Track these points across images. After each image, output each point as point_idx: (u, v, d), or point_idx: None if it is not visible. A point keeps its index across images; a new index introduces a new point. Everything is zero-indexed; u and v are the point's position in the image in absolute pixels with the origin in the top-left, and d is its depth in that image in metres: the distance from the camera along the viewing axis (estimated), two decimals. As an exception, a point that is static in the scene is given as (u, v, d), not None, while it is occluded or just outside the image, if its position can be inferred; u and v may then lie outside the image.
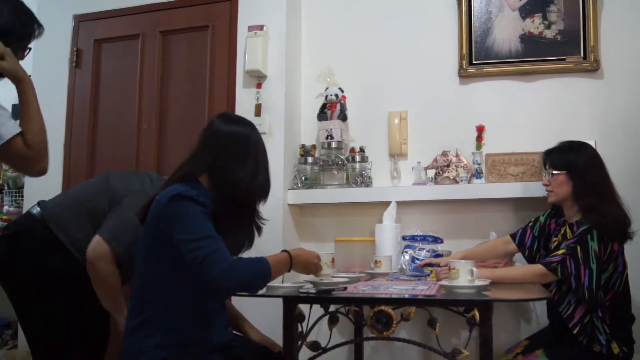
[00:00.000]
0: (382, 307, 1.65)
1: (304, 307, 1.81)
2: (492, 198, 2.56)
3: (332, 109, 2.79)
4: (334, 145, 2.76)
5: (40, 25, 1.48)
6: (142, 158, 2.96)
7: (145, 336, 1.55)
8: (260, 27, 2.74)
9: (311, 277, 1.90)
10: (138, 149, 2.98)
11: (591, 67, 2.57)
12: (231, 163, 1.64)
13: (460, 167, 2.63)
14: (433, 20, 2.83)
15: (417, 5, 2.87)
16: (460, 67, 2.74)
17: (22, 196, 3.30)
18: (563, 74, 2.63)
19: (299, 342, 1.73)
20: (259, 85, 2.78)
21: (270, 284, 1.62)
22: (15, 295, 1.90)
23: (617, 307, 1.94)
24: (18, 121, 1.36)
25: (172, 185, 1.59)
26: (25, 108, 1.37)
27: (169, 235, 1.51)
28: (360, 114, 2.86)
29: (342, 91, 2.81)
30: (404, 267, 2.37)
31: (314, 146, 2.85)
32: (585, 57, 2.58)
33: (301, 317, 1.77)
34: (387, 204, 2.62)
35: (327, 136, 2.75)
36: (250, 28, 2.76)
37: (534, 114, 2.65)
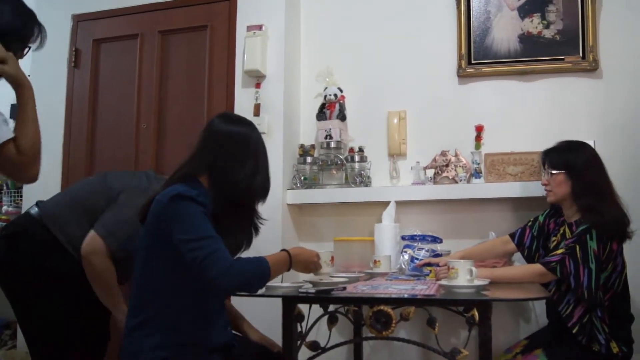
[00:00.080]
0: (382, 307, 1.65)
1: (303, 307, 1.81)
2: (491, 198, 2.57)
3: (331, 108, 2.79)
4: (333, 145, 2.76)
5: (40, 26, 1.47)
6: (141, 158, 2.96)
7: (145, 336, 1.55)
8: (259, 27, 2.74)
9: (311, 276, 1.90)
10: (137, 149, 2.98)
11: (590, 67, 2.57)
12: (231, 163, 1.64)
13: (459, 166, 2.63)
14: (432, 20, 2.83)
15: (415, 5, 2.87)
16: (459, 66, 2.74)
17: (21, 196, 3.30)
18: (562, 73, 2.63)
19: (298, 342, 1.73)
20: (257, 85, 2.78)
21: (269, 283, 1.62)
22: (14, 295, 1.90)
23: (616, 307, 1.94)
24: (13, 125, 1.36)
25: (172, 185, 1.59)
26: (22, 113, 1.37)
27: (169, 235, 1.51)
28: (359, 114, 2.86)
29: (341, 91, 2.81)
30: (403, 266, 2.37)
31: (313, 146, 2.85)
32: (584, 57, 2.59)
33: (300, 317, 1.77)
34: (386, 203, 2.62)
35: (326, 136, 2.75)
36: (249, 28, 2.76)
37: (533, 113, 2.65)
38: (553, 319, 2.13)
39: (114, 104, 3.07)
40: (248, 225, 1.75)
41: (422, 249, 2.36)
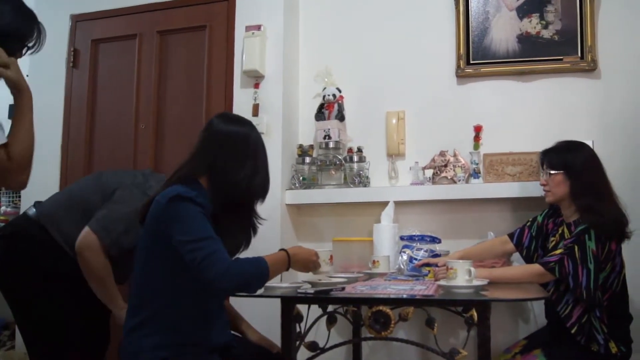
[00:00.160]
0: (380, 307, 1.66)
1: (302, 308, 1.81)
2: (489, 198, 2.57)
3: (329, 109, 2.78)
4: (331, 145, 2.76)
5: (40, 26, 1.47)
6: (140, 158, 2.95)
7: (144, 336, 1.55)
8: (258, 27, 2.74)
9: (309, 276, 1.90)
10: (135, 149, 2.97)
11: (588, 67, 2.58)
12: (230, 163, 1.64)
13: (458, 167, 2.63)
14: (430, 20, 2.83)
15: (414, 6, 2.87)
16: (458, 67, 2.74)
17: (20, 197, 3.30)
18: (560, 73, 2.63)
19: (297, 343, 1.73)
20: (256, 86, 2.77)
21: (268, 284, 1.62)
22: (12, 295, 1.90)
23: (614, 307, 1.94)
24: (7, 131, 1.35)
25: (171, 186, 1.59)
26: (18, 120, 1.36)
27: (168, 236, 1.51)
28: (357, 114, 2.86)
29: (340, 91, 2.81)
30: (402, 267, 2.37)
31: (311, 146, 2.85)
32: (582, 57, 2.59)
33: (299, 318, 1.77)
34: (385, 204, 2.62)
35: (325, 136, 2.75)
36: (248, 28, 2.76)
37: (532, 113, 2.65)
38: (552, 319, 2.13)
39: (112, 104, 3.07)
40: (247, 225, 1.75)
41: (421, 249, 2.36)
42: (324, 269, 1.85)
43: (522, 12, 2.69)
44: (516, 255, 2.32)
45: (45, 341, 1.87)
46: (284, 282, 1.89)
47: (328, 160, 2.78)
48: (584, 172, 2.03)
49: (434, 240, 2.43)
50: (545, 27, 2.66)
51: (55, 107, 3.10)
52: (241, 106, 2.76)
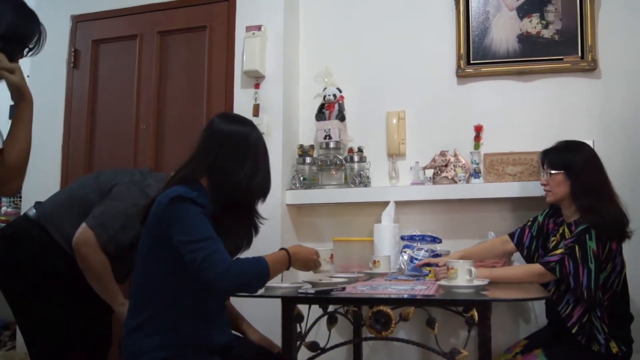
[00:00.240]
0: (381, 307, 1.65)
1: (302, 308, 1.81)
2: (490, 198, 2.57)
3: (330, 109, 2.79)
4: (332, 145, 2.76)
5: (41, 27, 1.47)
6: (140, 158, 2.95)
7: (145, 336, 1.55)
8: (258, 28, 2.74)
9: (310, 276, 1.90)
10: (136, 150, 2.98)
11: (589, 67, 2.58)
12: (231, 163, 1.64)
13: (459, 166, 2.63)
14: (430, 20, 2.83)
15: (414, 6, 2.87)
16: (458, 67, 2.74)
17: (20, 197, 3.29)
18: (561, 73, 2.63)
19: (298, 343, 1.73)
20: (257, 86, 2.78)
21: (269, 284, 1.62)
22: (13, 295, 1.90)
23: (615, 307, 1.94)
24: (3, 137, 1.35)
25: (172, 186, 1.59)
26: (16, 127, 1.35)
27: (169, 237, 1.51)
28: (358, 114, 2.86)
29: (340, 91, 2.81)
30: (403, 267, 2.37)
31: (312, 146, 2.85)
32: (582, 57, 2.59)
33: (300, 318, 1.77)
34: (386, 204, 2.62)
35: (325, 136, 2.75)
36: (248, 28, 2.76)
37: (532, 113, 2.65)
38: (552, 319, 2.13)
39: (113, 105, 3.07)
40: (248, 225, 1.75)
41: (422, 249, 2.36)
42: (325, 268, 1.85)
43: (523, 12, 2.69)
44: (517, 255, 2.32)
45: (45, 341, 1.87)
46: (284, 282, 1.89)
47: (329, 161, 2.78)
48: (585, 172, 2.03)
49: (435, 240, 2.43)
50: (546, 26, 2.66)
51: (56, 107, 3.10)
52: (241, 106, 2.76)
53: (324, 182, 2.81)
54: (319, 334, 1.98)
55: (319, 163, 2.80)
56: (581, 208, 2.00)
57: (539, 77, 2.67)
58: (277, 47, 2.78)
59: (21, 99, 1.35)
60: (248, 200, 1.70)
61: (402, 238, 2.52)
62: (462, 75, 2.74)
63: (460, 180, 2.62)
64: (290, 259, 1.66)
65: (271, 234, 2.43)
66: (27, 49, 1.45)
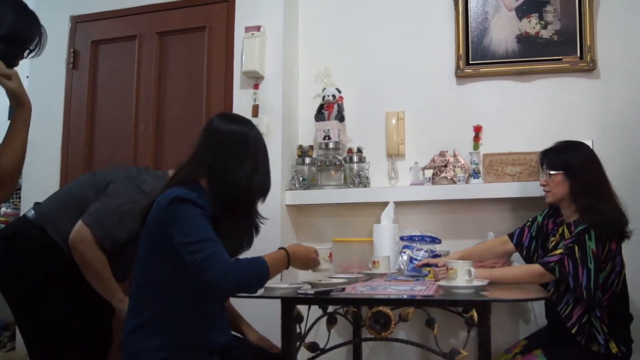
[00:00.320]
0: (381, 308, 1.66)
1: (302, 308, 1.81)
2: (489, 198, 2.57)
3: (329, 109, 2.79)
4: (331, 145, 2.76)
5: (42, 29, 1.46)
6: (140, 159, 2.95)
7: (145, 336, 1.55)
8: (257, 28, 2.74)
9: (310, 277, 1.90)
10: (135, 150, 2.98)
11: (588, 67, 2.58)
12: (230, 163, 1.64)
13: (458, 167, 2.63)
14: (430, 20, 2.83)
15: (414, 6, 2.87)
16: (457, 67, 2.74)
17: (20, 198, 3.29)
18: (560, 74, 2.64)
19: (298, 343, 1.73)
20: (256, 86, 2.78)
21: (268, 284, 1.62)
22: (13, 296, 1.90)
23: (615, 307, 1.94)
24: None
25: (172, 188, 1.59)
26: (11, 135, 1.34)
27: (169, 238, 1.51)
28: (357, 115, 2.86)
29: (340, 92, 2.81)
30: (402, 267, 2.37)
31: (311, 147, 2.85)
32: (581, 57, 2.59)
33: (299, 318, 1.77)
34: (385, 204, 2.62)
35: (325, 137, 2.75)
36: (247, 29, 2.76)
37: (531, 113, 2.65)
38: (552, 319, 2.13)
39: (112, 106, 3.07)
40: (249, 225, 1.75)
41: (421, 249, 2.36)
42: (324, 267, 1.85)
43: (521, 12, 2.70)
44: (516, 256, 2.32)
45: (45, 341, 1.87)
46: (284, 282, 1.89)
47: (328, 161, 2.78)
48: (584, 172, 2.03)
49: (434, 240, 2.43)
50: (545, 27, 2.66)
51: (55, 108, 3.10)
52: (241, 107, 2.76)
53: (323, 183, 2.81)
54: (319, 334, 1.98)
55: (319, 163, 2.80)
56: (580, 208, 2.00)
57: (538, 78, 2.67)
58: (276, 48, 2.78)
59: (19, 105, 1.34)
60: (248, 200, 1.70)
61: (402, 238, 2.52)
62: (461, 76, 2.75)
63: (459, 181, 2.62)
64: (290, 258, 1.66)
65: (271, 234, 2.42)
66: (27, 51, 1.44)
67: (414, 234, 2.48)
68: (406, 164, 2.77)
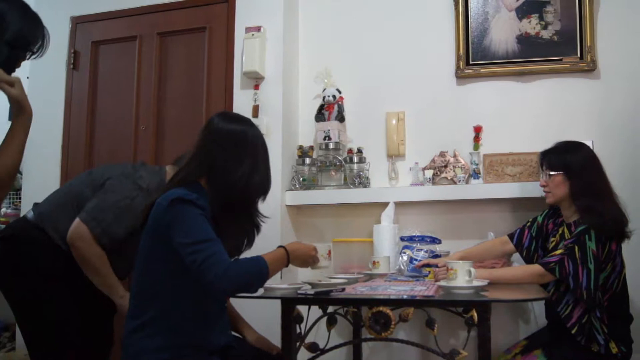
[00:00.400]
0: (381, 308, 1.65)
1: (302, 309, 1.81)
2: (489, 198, 2.57)
3: (329, 110, 2.79)
4: (331, 146, 2.76)
5: (45, 29, 1.46)
6: (140, 159, 2.95)
7: (145, 337, 1.54)
8: (258, 29, 2.75)
9: (309, 277, 1.89)
10: (135, 151, 2.98)
11: (588, 68, 2.58)
12: (230, 161, 1.64)
13: (458, 167, 2.63)
14: (430, 21, 2.84)
15: (414, 6, 2.87)
16: (458, 67, 2.74)
17: (20, 198, 3.29)
18: (560, 74, 2.64)
19: (298, 344, 1.73)
20: (256, 87, 2.78)
21: (268, 285, 1.62)
22: (13, 296, 1.90)
23: (615, 307, 1.94)
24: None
25: (172, 188, 1.59)
26: (9, 141, 1.33)
27: (169, 238, 1.51)
28: (357, 115, 2.86)
29: (340, 92, 2.81)
30: (402, 267, 2.37)
31: (311, 147, 2.85)
32: (581, 58, 2.59)
33: (299, 319, 1.77)
34: (385, 204, 2.62)
35: (325, 137, 2.76)
36: (248, 29, 2.76)
37: (531, 114, 2.65)
38: (552, 319, 2.13)
39: (112, 106, 3.07)
40: (249, 224, 1.74)
41: (421, 249, 2.36)
42: (323, 264, 1.85)
43: (522, 12, 2.70)
44: (516, 256, 2.32)
45: (45, 342, 1.87)
46: (284, 282, 1.89)
47: (328, 161, 2.78)
48: (584, 172, 2.03)
49: (434, 240, 2.43)
50: (545, 27, 2.66)
51: (56, 108, 3.10)
52: (241, 107, 2.76)
53: (323, 183, 2.81)
54: (319, 334, 1.98)
55: (319, 164, 2.80)
56: (581, 208, 2.00)
57: (538, 78, 2.67)
58: (276, 48, 2.78)
59: (20, 112, 1.34)
60: (248, 199, 1.70)
61: (402, 239, 2.52)
62: (461, 76, 2.75)
63: (459, 181, 2.62)
64: (289, 256, 1.66)
65: (271, 235, 2.42)
66: (30, 53, 1.44)
67: (414, 234, 2.48)
68: (406, 164, 2.78)
